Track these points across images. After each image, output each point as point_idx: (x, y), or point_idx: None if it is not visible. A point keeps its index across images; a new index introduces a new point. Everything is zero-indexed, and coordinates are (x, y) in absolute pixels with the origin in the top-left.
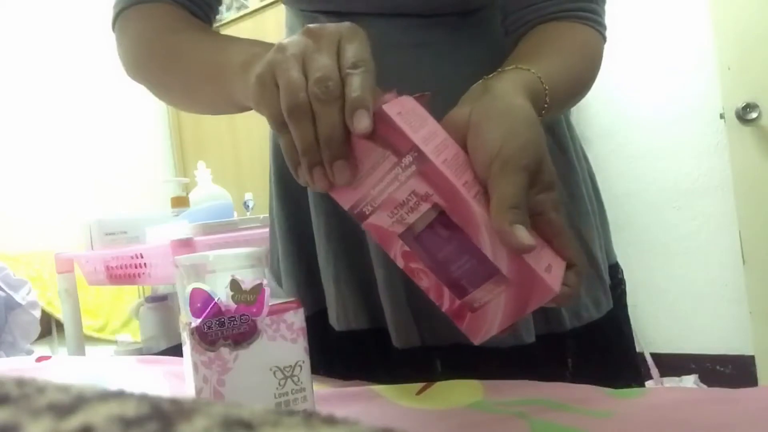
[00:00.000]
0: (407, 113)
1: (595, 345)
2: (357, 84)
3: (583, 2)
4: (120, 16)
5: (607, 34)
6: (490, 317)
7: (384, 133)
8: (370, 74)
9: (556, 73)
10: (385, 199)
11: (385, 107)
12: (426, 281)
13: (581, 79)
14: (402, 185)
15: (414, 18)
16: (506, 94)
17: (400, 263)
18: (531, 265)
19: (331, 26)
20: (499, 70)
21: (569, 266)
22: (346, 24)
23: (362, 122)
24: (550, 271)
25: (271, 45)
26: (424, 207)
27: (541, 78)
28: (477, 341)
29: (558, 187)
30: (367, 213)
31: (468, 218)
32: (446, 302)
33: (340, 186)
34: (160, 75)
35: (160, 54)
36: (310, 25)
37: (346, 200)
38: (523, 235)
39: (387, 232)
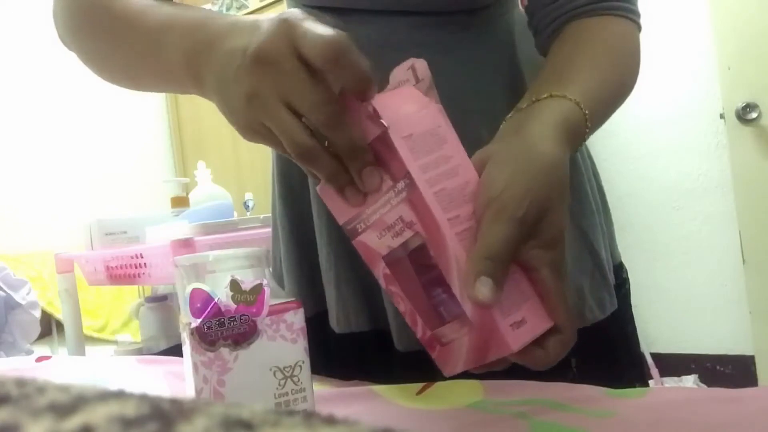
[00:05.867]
0: (422, 134)
1: (599, 345)
2: (342, 148)
3: None
4: None
5: None
6: (456, 355)
7: (384, 155)
8: (339, 125)
9: (595, 88)
10: (376, 219)
11: (392, 131)
12: (402, 306)
13: (622, 83)
14: (392, 209)
15: (419, 16)
16: (535, 138)
17: (381, 284)
18: (494, 316)
19: (281, 41)
20: (533, 99)
21: (556, 331)
22: (295, 27)
23: (373, 180)
24: (519, 327)
25: (209, 15)
26: (407, 234)
27: (579, 103)
28: (446, 373)
29: (563, 246)
30: (359, 230)
31: (443, 254)
32: (419, 330)
33: (343, 201)
34: (100, 48)
35: (103, 26)
36: (257, 47)
37: (342, 215)
38: (485, 290)
39: (373, 253)
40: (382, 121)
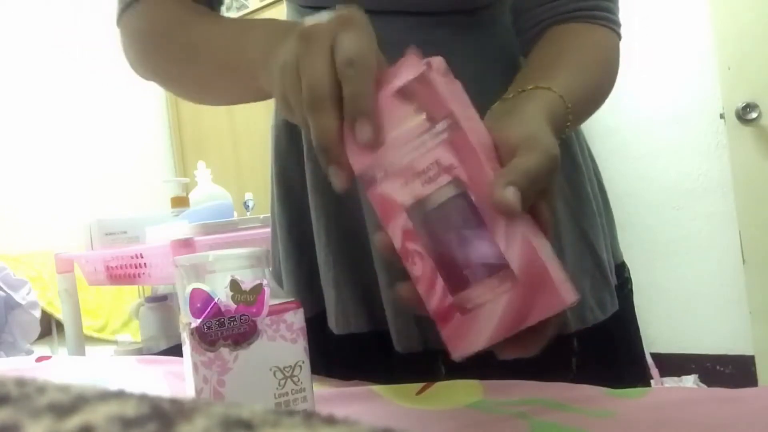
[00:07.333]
0: (454, 89)
1: (600, 346)
2: (350, 89)
3: (597, 0)
4: (127, 10)
5: None
6: (482, 323)
7: (422, 96)
8: (366, 71)
9: (577, 87)
10: (403, 165)
11: (432, 71)
12: (419, 267)
13: (601, 88)
14: (427, 152)
15: (418, 16)
16: (528, 115)
17: (396, 242)
18: (546, 263)
19: (323, 23)
20: (519, 90)
21: None
22: (340, 13)
23: (363, 132)
24: (566, 284)
25: (285, 25)
26: (444, 179)
27: (563, 97)
28: (456, 354)
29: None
30: (378, 179)
31: (488, 201)
32: (436, 297)
33: (357, 147)
34: (174, 68)
35: (174, 47)
36: (303, 28)
37: (359, 162)
38: (512, 197)
39: (393, 204)
40: (422, 63)
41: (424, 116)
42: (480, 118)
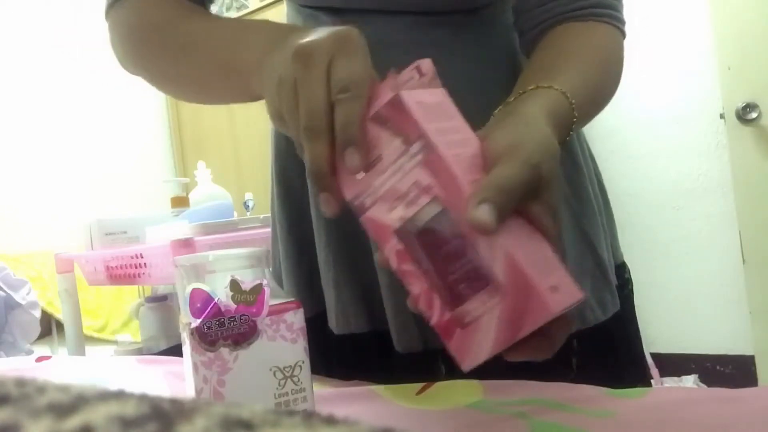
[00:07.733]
0: (431, 105)
1: (600, 346)
2: (342, 117)
3: None
4: (116, 3)
5: None
6: (481, 335)
7: (396, 120)
8: (358, 99)
9: (579, 86)
10: (386, 190)
11: (404, 94)
12: (417, 286)
13: (604, 88)
14: (405, 175)
15: (416, 15)
16: (528, 118)
17: (393, 264)
18: (528, 275)
19: (322, 42)
20: (520, 91)
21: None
22: (339, 34)
23: (352, 161)
24: (555, 292)
25: (283, 29)
26: (424, 200)
27: (566, 93)
28: (465, 366)
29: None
30: (367, 205)
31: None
32: (436, 313)
33: (347, 174)
34: (171, 67)
35: (170, 44)
36: (300, 44)
37: (349, 190)
38: (485, 215)
39: (383, 228)
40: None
41: (400, 140)
42: (468, 126)
